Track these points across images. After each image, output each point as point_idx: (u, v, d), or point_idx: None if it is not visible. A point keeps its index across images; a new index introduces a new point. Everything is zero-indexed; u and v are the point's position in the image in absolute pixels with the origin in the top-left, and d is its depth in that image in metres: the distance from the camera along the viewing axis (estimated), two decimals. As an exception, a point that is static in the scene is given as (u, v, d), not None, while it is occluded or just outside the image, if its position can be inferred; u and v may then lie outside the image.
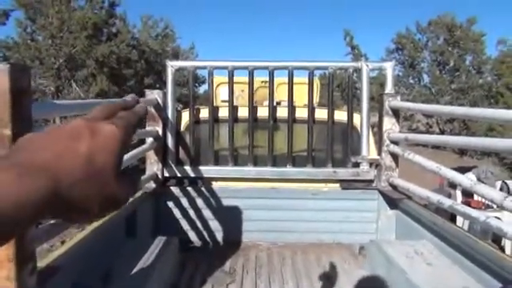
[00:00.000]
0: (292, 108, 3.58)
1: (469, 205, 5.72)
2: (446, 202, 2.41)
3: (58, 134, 0.45)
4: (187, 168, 3.57)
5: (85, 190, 0.43)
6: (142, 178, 3.31)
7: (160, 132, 3.47)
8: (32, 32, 13.66)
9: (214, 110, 3.65)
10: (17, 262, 1.36)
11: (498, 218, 2.76)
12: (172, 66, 3.59)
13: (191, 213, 3.54)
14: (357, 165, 3.56)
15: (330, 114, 3.55)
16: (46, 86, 13.32)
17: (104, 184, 0.45)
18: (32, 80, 1.57)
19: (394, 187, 3.35)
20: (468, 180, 2.23)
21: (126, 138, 0.48)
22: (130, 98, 0.57)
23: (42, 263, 1.75)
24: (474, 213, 2.15)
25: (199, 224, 3.54)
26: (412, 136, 3.60)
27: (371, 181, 3.55)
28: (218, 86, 4.43)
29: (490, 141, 2.32)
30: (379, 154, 3.47)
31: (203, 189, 3.55)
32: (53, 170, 0.41)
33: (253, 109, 3.58)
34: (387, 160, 3.39)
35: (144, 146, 3.35)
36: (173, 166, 3.55)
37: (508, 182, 6.74)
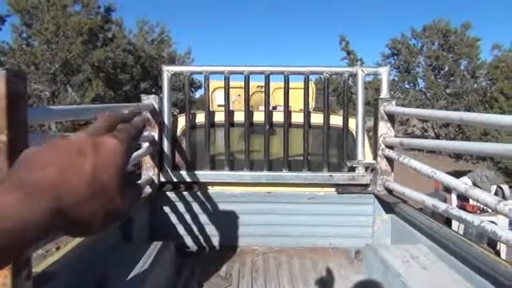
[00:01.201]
0: (288, 113, 3.59)
1: (464, 209, 5.73)
2: (441, 206, 2.42)
3: (61, 149, 0.44)
4: (183, 173, 3.57)
5: (90, 207, 0.44)
6: (138, 183, 3.30)
7: (156, 137, 3.47)
8: (27, 37, 13.65)
9: (210, 115, 3.65)
10: (12, 268, 1.35)
11: (493, 222, 2.77)
12: (168, 71, 3.60)
13: (187, 218, 3.54)
14: (352, 169, 3.57)
15: (326, 119, 3.57)
16: (42, 91, 13.29)
17: (108, 200, 0.45)
18: (27, 85, 1.57)
19: (390, 191, 3.36)
20: (463, 184, 2.24)
21: (128, 152, 0.48)
22: (128, 110, 0.57)
23: (37, 269, 1.74)
24: (468, 217, 2.16)
25: (195, 229, 3.54)
26: (407, 140, 3.62)
27: (367, 185, 3.56)
28: (214, 90, 4.45)
29: (485, 145, 2.34)
30: (375, 158, 3.48)
31: (199, 193, 3.55)
32: (58, 190, 0.41)
33: (249, 113, 3.58)
34: (383, 164, 3.40)
35: (140, 151, 3.35)
36: (169, 170, 3.55)
37: (503, 186, 6.76)
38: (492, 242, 5.53)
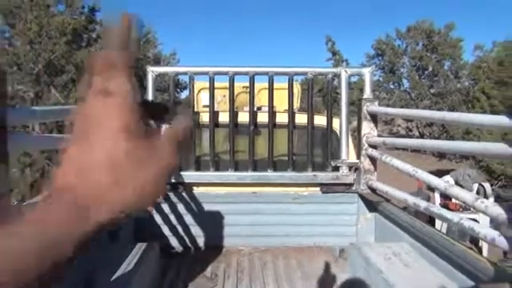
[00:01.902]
0: (272, 113, 3.61)
1: (447, 207, 5.83)
2: (422, 205, 2.46)
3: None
4: (168, 174, 3.55)
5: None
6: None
7: (141, 138, 3.45)
8: (10, 37, 13.46)
9: (195, 116, 3.65)
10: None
11: (475, 220, 2.83)
12: (153, 71, 3.59)
13: (172, 218, 3.53)
14: (336, 169, 3.61)
15: (310, 119, 3.60)
16: (25, 91, 13.11)
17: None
18: (10, 86, 1.56)
19: (373, 190, 3.40)
20: (443, 183, 2.28)
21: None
22: None
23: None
24: (448, 215, 2.20)
25: (180, 229, 3.54)
26: (390, 140, 3.67)
27: (351, 184, 3.59)
28: (199, 91, 4.45)
29: (466, 144, 2.38)
30: (358, 157, 3.52)
31: (184, 194, 3.55)
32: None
33: (234, 114, 3.59)
34: (366, 163, 3.44)
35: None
36: (154, 171, 3.53)
37: (484, 184, 6.90)
38: (474, 240, 5.63)
